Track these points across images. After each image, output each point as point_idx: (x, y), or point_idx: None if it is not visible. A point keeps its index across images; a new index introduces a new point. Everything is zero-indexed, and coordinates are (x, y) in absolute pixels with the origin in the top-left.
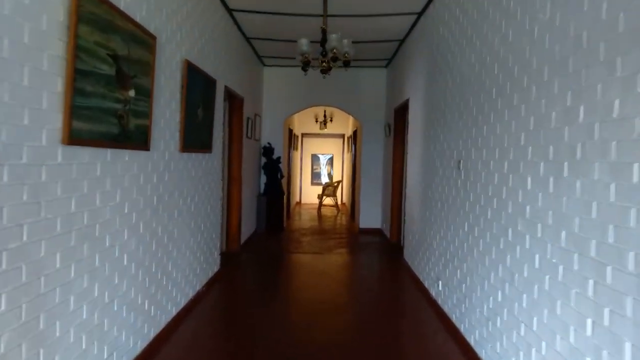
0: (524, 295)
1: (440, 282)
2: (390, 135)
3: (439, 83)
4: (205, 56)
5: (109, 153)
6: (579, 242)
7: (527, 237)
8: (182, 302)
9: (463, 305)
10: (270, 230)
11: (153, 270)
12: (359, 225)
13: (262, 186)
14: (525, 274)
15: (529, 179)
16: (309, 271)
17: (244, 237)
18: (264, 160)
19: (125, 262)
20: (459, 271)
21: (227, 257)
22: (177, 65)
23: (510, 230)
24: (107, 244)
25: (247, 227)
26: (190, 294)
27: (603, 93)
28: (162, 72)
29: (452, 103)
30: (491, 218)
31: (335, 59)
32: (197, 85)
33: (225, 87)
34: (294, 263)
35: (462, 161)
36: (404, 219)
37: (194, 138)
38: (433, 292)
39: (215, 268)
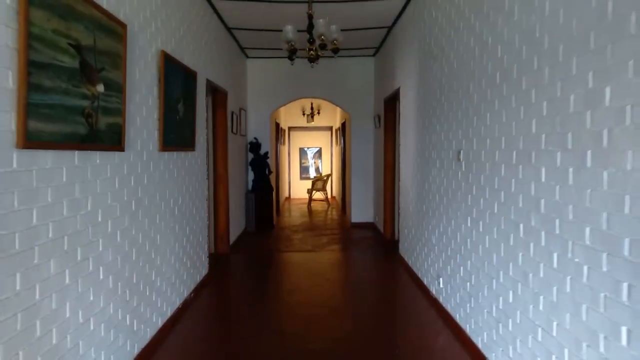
0: (541, 297)
1: (441, 280)
2: (380, 126)
3: (433, 70)
4: (185, 47)
5: (76, 156)
6: (608, 240)
7: (543, 233)
8: (169, 311)
9: (468, 305)
10: (260, 229)
11: (134, 281)
12: (351, 220)
13: (250, 183)
14: (542, 274)
15: (543, 170)
16: (301, 271)
17: (233, 237)
18: (251, 156)
19: (101, 276)
20: (462, 268)
21: (217, 259)
22: (153, 57)
23: (521, 226)
24: (79, 258)
25: (236, 227)
26: (178, 302)
27: (637, 71)
28: (135, 65)
29: (449, 91)
30: (498, 212)
31: (323, 46)
32: (176, 78)
33: (207, 80)
34: (286, 263)
35: (462, 152)
36: (398, 213)
37: (175, 136)
38: (433, 290)
39: (204, 272)
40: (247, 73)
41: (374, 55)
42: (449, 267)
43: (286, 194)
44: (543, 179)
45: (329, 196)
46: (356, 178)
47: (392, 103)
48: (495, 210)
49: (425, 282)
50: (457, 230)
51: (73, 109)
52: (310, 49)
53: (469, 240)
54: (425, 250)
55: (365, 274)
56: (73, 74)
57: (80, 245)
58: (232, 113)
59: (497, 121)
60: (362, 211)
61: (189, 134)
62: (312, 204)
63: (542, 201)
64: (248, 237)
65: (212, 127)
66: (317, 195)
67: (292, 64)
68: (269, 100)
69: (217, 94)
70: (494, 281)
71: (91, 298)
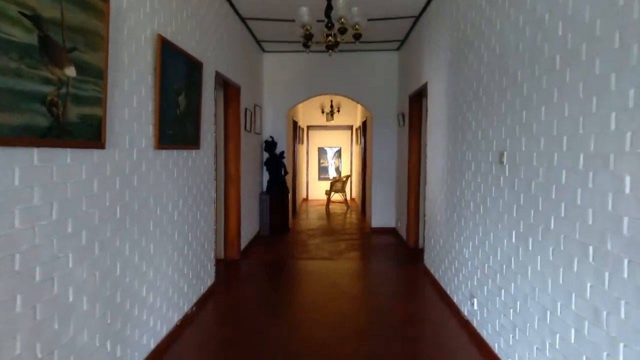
0: (621, 345)
1: (475, 301)
2: (404, 125)
3: (468, 60)
4: (189, 34)
5: (35, 154)
6: None
7: (626, 262)
8: (164, 330)
9: (511, 336)
10: (275, 232)
11: (118, 300)
12: (371, 225)
13: (265, 184)
14: (623, 315)
15: (628, 180)
16: (317, 283)
17: (244, 241)
18: (266, 155)
19: (70, 298)
20: (503, 292)
21: (226, 265)
22: (147, 41)
23: (591, 250)
24: (38, 279)
25: (249, 230)
26: (176, 318)
27: None
28: (123, 48)
29: (488, 81)
30: (556, 229)
31: (343, 30)
32: (177, 68)
33: (217, 73)
34: (301, 272)
35: (505, 154)
36: (424, 220)
37: (175, 132)
38: (465, 310)
39: (209, 281)
40: (264, 68)
41: (398, 49)
42: (485, 287)
43: (304, 195)
44: (627, 190)
45: (348, 198)
46: (377, 180)
47: (417, 100)
48: (552, 227)
49: (455, 300)
50: (497, 246)
51: (29, 95)
52: (328, 35)
53: (513, 259)
54: (455, 265)
55: (387, 287)
56: (29, 52)
57: (40, 263)
58: (246, 110)
59: (556, 116)
60: (383, 215)
61: (193, 131)
62: (330, 206)
63: (626, 220)
64: (261, 241)
65: (223, 124)
66: (336, 197)
67: (308, 52)
68: (286, 97)
69: (229, 89)
70: (548, 313)
71: (55, 326)
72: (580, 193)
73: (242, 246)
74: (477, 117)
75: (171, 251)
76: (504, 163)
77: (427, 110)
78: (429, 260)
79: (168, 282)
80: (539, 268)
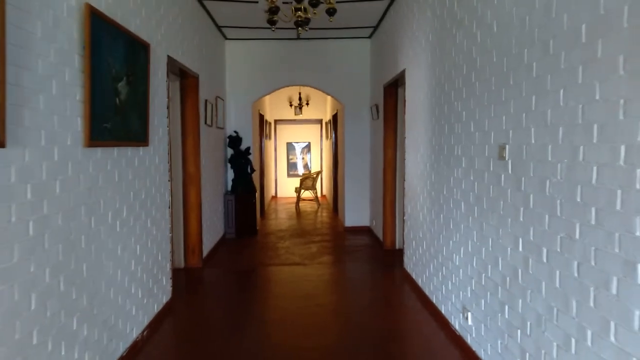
0: None
1: (469, 315)
2: (378, 117)
3: (457, 40)
4: (132, 10)
5: None
6: None
7: None
8: None
9: None
10: (242, 235)
11: (34, 341)
12: (344, 224)
13: (230, 183)
14: None
15: None
16: (287, 293)
17: (207, 247)
18: (230, 152)
19: None
20: (507, 308)
21: (187, 275)
22: (70, 12)
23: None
24: None
25: (212, 235)
26: (122, 348)
27: None
28: (34, 18)
29: (483, 65)
30: (584, 240)
31: (315, 3)
32: (115, 48)
33: (170, 58)
34: (270, 281)
35: (507, 147)
36: (403, 219)
37: (115, 126)
38: (456, 324)
39: (165, 298)
40: (226, 57)
41: (370, 36)
42: (483, 300)
43: (272, 193)
44: None
45: (319, 195)
46: (350, 176)
47: (393, 90)
48: (577, 236)
49: (443, 311)
50: (498, 255)
51: None
52: (297, 9)
53: (520, 271)
54: (442, 272)
55: (366, 296)
56: None
57: None
58: (206, 102)
59: (581, 99)
60: (357, 213)
61: (139, 125)
62: (300, 204)
63: None
64: (226, 245)
65: (180, 117)
66: (306, 194)
67: (274, 30)
68: (251, 89)
69: (186, 78)
70: (574, 342)
71: None
72: (621, 196)
73: (205, 253)
74: (469, 106)
75: (113, 270)
76: (506, 158)
77: (404, 101)
78: (410, 265)
79: (109, 308)
80: (557, 285)
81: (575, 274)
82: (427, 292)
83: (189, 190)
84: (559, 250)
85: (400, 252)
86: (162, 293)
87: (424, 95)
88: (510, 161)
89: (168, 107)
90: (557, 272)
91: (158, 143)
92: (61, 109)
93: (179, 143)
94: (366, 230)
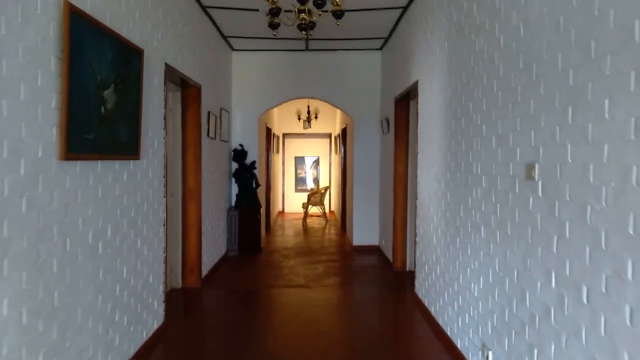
0: None
1: (490, 354)
2: (389, 132)
3: (476, 47)
4: (123, 12)
5: None
6: None
7: None
8: None
9: None
10: (245, 253)
11: None
12: (352, 242)
13: (234, 198)
14: None
15: None
16: (290, 318)
17: (207, 266)
18: (235, 166)
19: None
20: (536, 353)
21: (184, 296)
22: (45, 9)
23: None
24: None
25: (213, 253)
26: None
27: None
28: None
29: (508, 73)
30: None
31: (320, 4)
32: (101, 52)
33: (169, 66)
34: (272, 305)
35: (537, 166)
36: (415, 240)
37: (99, 137)
38: None
39: (156, 324)
40: (233, 68)
41: (381, 48)
42: (506, 340)
43: (279, 208)
44: None
45: (328, 211)
46: (359, 193)
47: (404, 103)
48: (630, 276)
49: (458, 346)
50: (526, 288)
51: None
52: (301, 11)
53: (554, 310)
54: (459, 302)
55: (375, 324)
56: None
57: None
58: (209, 113)
59: (634, 111)
60: (366, 232)
61: (129, 136)
62: (307, 220)
63: None
64: (228, 264)
65: (181, 129)
66: (314, 209)
67: (275, 34)
68: (258, 101)
69: (187, 88)
70: None
71: None
72: None
73: (204, 272)
74: (490, 119)
75: (92, 296)
76: (535, 178)
77: (417, 114)
78: (422, 290)
79: (87, 339)
80: (602, 333)
81: (628, 322)
82: (440, 322)
83: (189, 206)
84: (604, 290)
85: (411, 274)
86: (152, 318)
87: (438, 108)
88: (540, 182)
89: (165, 118)
90: (602, 317)
91: (152, 156)
92: (30, 116)
93: (178, 156)
94: (375, 250)
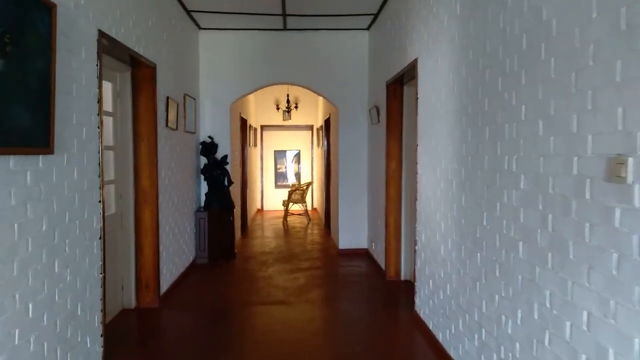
0: None
1: None
2: (379, 122)
3: (508, 1)
4: None
5: None
6: None
7: None
8: None
9: None
10: (216, 259)
11: None
12: (338, 245)
13: (203, 197)
14: None
15: None
16: (264, 352)
17: (167, 280)
18: (204, 161)
19: None
20: None
21: (138, 319)
22: None
23: None
24: None
25: (177, 263)
26: None
27: None
28: None
29: (568, 28)
30: None
31: None
32: None
33: (106, 35)
34: (243, 328)
35: (631, 162)
36: (415, 249)
37: None
38: None
39: None
40: (200, 49)
41: (368, 28)
42: None
43: (258, 206)
44: None
45: (310, 208)
46: (345, 191)
47: (398, 88)
48: None
49: None
50: (609, 345)
51: None
52: None
53: None
54: (482, 335)
55: (367, 354)
56: None
57: None
58: (168, 99)
59: None
60: (353, 234)
61: (33, 121)
62: (288, 219)
63: None
64: (195, 275)
65: (132, 118)
66: (295, 207)
67: None
68: (230, 87)
69: (138, 68)
70: None
71: None
72: None
73: (164, 287)
74: (534, 96)
75: None
76: (628, 180)
77: (413, 101)
78: (424, 309)
79: None
80: None
81: None
82: (452, 354)
83: (143, 210)
84: None
85: (408, 285)
86: (85, 358)
87: (447, 90)
88: (637, 186)
89: (100, 101)
90: None
91: (79, 150)
92: None
93: (129, 150)
94: (363, 254)
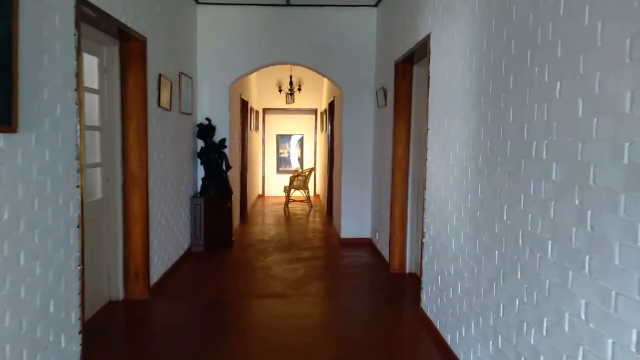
0: None
1: None
2: (385, 104)
3: None
4: None
5: None
6: None
7: None
8: None
9: None
10: (212, 248)
11: None
12: (340, 234)
13: (200, 183)
14: None
15: None
16: (260, 351)
17: (159, 269)
18: (201, 144)
19: None
20: None
21: (126, 311)
22: None
23: None
24: None
25: (170, 250)
26: None
27: None
28: None
29: None
30: None
31: None
32: None
33: (86, 3)
34: (237, 324)
35: None
36: (422, 241)
37: None
38: None
39: None
40: (197, 25)
41: (376, 4)
42: None
43: (259, 191)
44: None
45: (312, 194)
46: (348, 177)
47: (407, 67)
48: None
49: None
50: None
51: None
52: None
53: None
54: (498, 342)
55: (368, 354)
56: None
57: None
58: (161, 77)
59: None
60: (356, 223)
61: None
62: (289, 206)
63: None
64: (190, 263)
65: (120, 97)
66: (297, 193)
67: None
68: (229, 67)
69: (127, 42)
70: None
71: None
72: None
73: (155, 277)
74: (574, 69)
75: None
76: None
77: (423, 81)
78: (432, 307)
79: None
80: None
81: None
82: (462, 359)
83: (131, 195)
84: None
85: (413, 278)
86: None
87: (464, 67)
88: None
89: (79, 75)
90: None
91: (50, 129)
92: None
93: (117, 131)
94: (367, 244)
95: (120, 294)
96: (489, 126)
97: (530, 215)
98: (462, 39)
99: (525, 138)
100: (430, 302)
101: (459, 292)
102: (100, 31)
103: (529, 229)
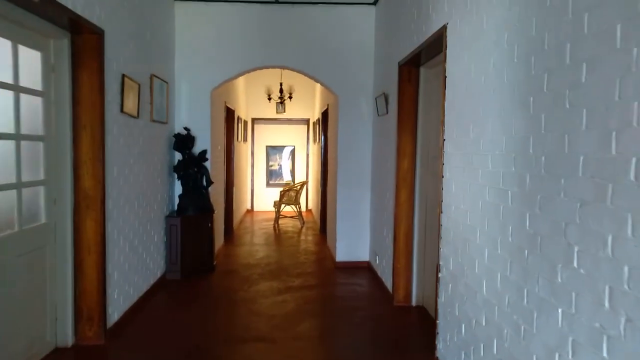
0: None
1: None
2: (387, 112)
3: None
4: None
5: None
6: None
7: None
8: None
9: None
10: (190, 275)
11: None
12: (335, 257)
13: (176, 200)
14: None
15: None
16: None
17: (121, 306)
18: (178, 157)
19: None
20: None
21: (76, 358)
22: None
23: None
24: None
25: (138, 281)
26: None
27: None
28: None
29: None
30: None
31: None
32: None
33: None
34: None
35: None
36: (438, 276)
37: None
38: None
39: None
40: (176, 24)
41: (375, 2)
42: None
43: (247, 206)
44: None
45: (304, 209)
46: (344, 193)
47: (413, 70)
48: None
49: None
50: None
51: None
52: None
53: None
54: None
55: None
56: None
57: None
58: (124, 77)
59: None
60: (353, 243)
61: None
62: (280, 222)
63: None
64: (161, 295)
65: (69, 100)
66: (288, 208)
67: None
68: (211, 70)
69: (79, 35)
70: None
71: None
72: None
73: (115, 317)
74: None
75: None
76: None
77: (444, 81)
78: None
79: None
80: None
81: None
82: None
83: (84, 219)
84: None
85: (421, 312)
86: None
87: (501, 57)
88: None
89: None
90: None
91: None
92: None
93: (67, 142)
94: (365, 268)
95: (69, 340)
96: (544, 135)
97: (627, 268)
98: (495, 24)
99: (613, 152)
100: (450, 354)
101: (495, 352)
102: (46, 21)
103: (625, 287)
